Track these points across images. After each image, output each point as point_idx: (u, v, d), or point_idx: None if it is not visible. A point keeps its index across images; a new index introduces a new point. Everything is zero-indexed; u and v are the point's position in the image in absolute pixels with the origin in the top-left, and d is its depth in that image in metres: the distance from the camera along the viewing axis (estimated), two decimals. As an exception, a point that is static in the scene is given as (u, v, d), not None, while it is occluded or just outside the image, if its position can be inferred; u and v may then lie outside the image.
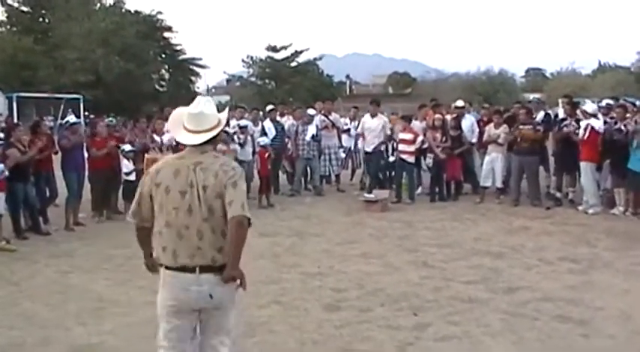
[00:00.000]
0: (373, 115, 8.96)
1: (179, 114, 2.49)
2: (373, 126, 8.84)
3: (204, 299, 2.36)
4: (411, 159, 8.47)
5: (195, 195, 2.35)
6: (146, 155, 7.30)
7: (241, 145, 8.58)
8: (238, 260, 2.34)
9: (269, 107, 9.88)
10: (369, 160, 9.11)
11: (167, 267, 2.36)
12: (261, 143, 8.52)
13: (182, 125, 2.45)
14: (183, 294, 2.35)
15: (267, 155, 8.41)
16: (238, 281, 2.37)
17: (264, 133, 9.17)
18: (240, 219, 2.30)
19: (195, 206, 2.35)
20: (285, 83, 39.82)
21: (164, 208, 2.37)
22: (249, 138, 8.91)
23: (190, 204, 2.35)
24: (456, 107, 9.37)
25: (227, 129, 8.38)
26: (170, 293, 2.36)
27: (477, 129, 8.81)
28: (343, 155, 9.75)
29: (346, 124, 10.16)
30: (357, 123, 10.10)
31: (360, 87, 73.74)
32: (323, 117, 9.38)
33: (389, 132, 8.81)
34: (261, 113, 10.16)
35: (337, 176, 9.83)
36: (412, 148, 8.41)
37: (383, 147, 8.89)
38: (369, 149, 8.88)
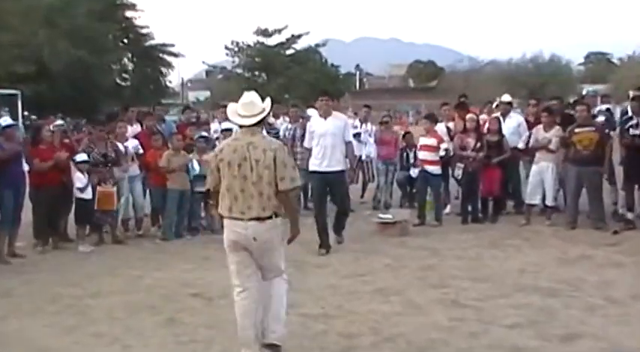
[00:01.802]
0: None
1: (233, 106, 4.10)
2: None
3: (249, 240, 3.92)
4: (436, 170, 8.52)
5: (248, 167, 3.93)
6: (99, 188, 7.39)
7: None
8: (296, 220, 4.12)
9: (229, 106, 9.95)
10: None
11: (226, 217, 4.00)
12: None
13: (237, 112, 4.05)
14: (233, 235, 3.96)
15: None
16: (280, 232, 3.97)
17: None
18: (287, 192, 3.94)
19: (248, 175, 3.93)
20: (279, 75, 40.09)
21: (226, 177, 3.97)
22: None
23: (245, 173, 3.93)
24: (502, 103, 9.41)
25: (205, 134, 8.48)
26: (227, 234, 4.00)
27: (527, 132, 8.78)
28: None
29: (355, 127, 10.24)
30: (368, 126, 10.22)
31: (373, 79, 74.22)
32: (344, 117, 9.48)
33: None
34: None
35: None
36: (436, 156, 8.49)
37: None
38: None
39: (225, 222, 4.00)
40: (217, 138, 9.00)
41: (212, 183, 4.09)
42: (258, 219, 3.89)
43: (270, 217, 3.91)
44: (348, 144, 7.02)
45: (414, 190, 9.82)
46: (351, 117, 11.19)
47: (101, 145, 7.65)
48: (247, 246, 3.94)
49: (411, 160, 9.84)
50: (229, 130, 8.87)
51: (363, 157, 10.12)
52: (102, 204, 7.48)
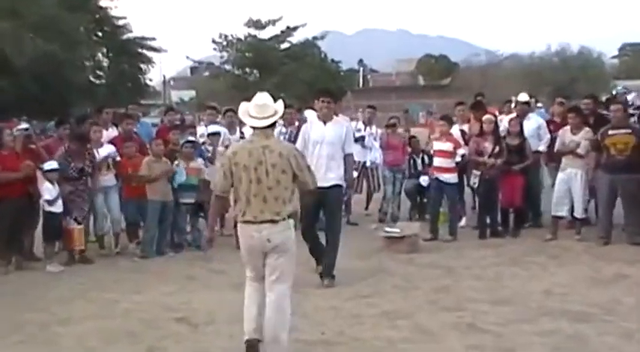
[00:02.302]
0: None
1: (245, 106, 4.58)
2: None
3: (263, 243, 4.37)
4: (452, 178, 8.56)
5: (263, 171, 4.39)
6: (64, 222, 7.35)
7: (211, 161, 8.69)
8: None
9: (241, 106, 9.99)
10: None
11: (239, 221, 4.47)
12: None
13: (248, 113, 4.52)
14: (248, 241, 4.43)
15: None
16: (293, 235, 4.49)
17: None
18: (309, 192, 4.65)
19: (264, 179, 4.38)
20: (272, 72, 40.19)
21: (241, 181, 4.41)
22: (222, 150, 9.06)
23: (260, 177, 4.38)
24: (519, 103, 9.47)
25: (191, 138, 8.52)
26: (242, 241, 4.48)
27: (548, 135, 8.88)
28: (355, 174, 9.81)
29: (359, 131, 10.29)
30: (373, 129, 10.29)
31: (378, 76, 74.43)
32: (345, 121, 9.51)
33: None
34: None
35: (347, 203, 9.92)
36: (452, 163, 8.53)
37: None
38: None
39: (239, 226, 4.50)
40: (203, 143, 9.05)
41: (222, 188, 4.52)
42: (271, 221, 4.36)
43: (284, 219, 4.39)
44: (347, 156, 6.58)
45: (425, 200, 9.85)
46: (355, 119, 11.20)
47: (79, 159, 7.61)
48: (263, 249, 4.41)
49: (420, 167, 9.89)
50: (216, 134, 8.98)
51: (368, 164, 10.18)
52: (67, 242, 7.48)
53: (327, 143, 6.44)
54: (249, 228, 4.40)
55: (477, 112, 9.24)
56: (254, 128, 4.52)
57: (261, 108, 4.50)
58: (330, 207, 6.41)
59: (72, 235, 7.46)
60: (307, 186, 4.54)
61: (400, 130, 10.63)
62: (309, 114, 9.42)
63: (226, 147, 9.17)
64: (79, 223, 7.56)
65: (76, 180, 7.55)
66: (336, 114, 9.73)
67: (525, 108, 9.32)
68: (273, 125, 4.56)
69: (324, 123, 6.54)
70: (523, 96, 9.59)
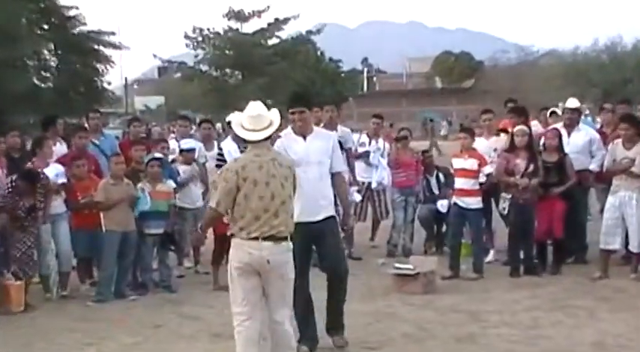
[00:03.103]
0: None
1: (238, 118, 5.04)
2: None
3: (262, 262, 4.84)
4: (476, 202, 8.60)
5: (278, 184, 4.91)
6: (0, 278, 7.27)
7: (182, 184, 8.79)
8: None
9: (231, 117, 10.06)
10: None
11: (239, 237, 4.90)
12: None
13: (241, 126, 4.96)
14: (246, 257, 4.86)
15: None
16: (292, 258, 5.00)
17: (222, 161, 9.34)
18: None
19: (278, 193, 4.89)
20: (258, 74, 40.38)
21: (250, 197, 4.85)
22: (197, 169, 9.10)
23: (274, 191, 4.88)
24: (567, 110, 9.46)
25: (158, 155, 8.55)
26: (238, 255, 4.90)
27: (602, 151, 8.84)
28: (358, 197, 9.86)
29: (362, 145, 10.37)
30: (380, 143, 10.38)
31: (386, 78, 74.98)
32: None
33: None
34: (219, 126, 10.38)
35: (348, 233, 9.94)
36: (476, 184, 8.56)
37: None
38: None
39: (236, 242, 4.94)
40: (173, 161, 9.08)
41: (225, 205, 4.94)
42: (272, 238, 4.85)
43: (285, 238, 4.92)
44: (336, 176, 6.12)
45: (443, 230, 9.86)
46: (358, 131, 11.27)
47: (29, 196, 7.55)
48: (259, 270, 4.89)
49: (436, 189, 9.93)
50: (191, 151, 9.03)
51: (374, 185, 10.24)
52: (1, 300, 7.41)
53: (314, 163, 5.90)
54: (250, 245, 4.86)
55: (518, 119, 9.21)
56: (248, 142, 5.02)
57: (255, 119, 4.96)
58: (329, 245, 5.92)
59: (8, 293, 7.40)
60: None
61: (413, 144, 10.70)
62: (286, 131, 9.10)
63: (204, 164, 9.27)
64: (19, 278, 7.46)
65: (23, 218, 7.53)
66: (329, 124, 9.94)
67: (575, 117, 9.29)
68: (269, 138, 5.03)
69: (304, 137, 5.94)
70: (572, 102, 9.52)
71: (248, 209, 4.87)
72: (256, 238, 4.85)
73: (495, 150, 9.22)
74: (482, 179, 8.60)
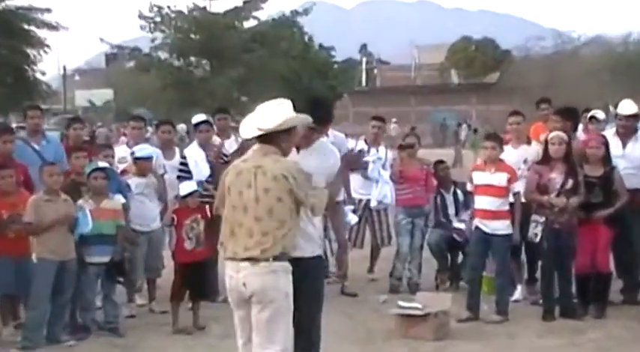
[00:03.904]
0: None
1: (252, 115, 5.46)
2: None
3: (239, 287, 5.18)
4: (504, 227, 8.59)
5: (252, 197, 5.17)
6: None
7: (123, 201, 8.72)
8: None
9: (198, 118, 10.07)
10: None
11: (224, 258, 5.40)
12: (183, 192, 8.72)
13: (254, 124, 5.32)
14: (228, 281, 5.27)
15: (193, 218, 8.58)
16: (281, 283, 5.21)
17: (186, 173, 9.43)
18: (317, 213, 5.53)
19: (251, 206, 5.17)
20: (231, 63, 40.39)
21: (227, 205, 5.31)
22: (154, 181, 9.14)
23: (246, 204, 5.18)
24: (622, 117, 9.26)
25: (102, 163, 8.53)
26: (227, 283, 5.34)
27: None
28: (354, 219, 9.83)
29: (359, 153, 10.40)
30: (381, 151, 10.42)
31: (390, 71, 75.10)
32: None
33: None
34: (181, 129, 10.35)
35: (340, 262, 9.89)
36: (505, 204, 8.54)
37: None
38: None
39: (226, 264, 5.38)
40: (124, 172, 9.06)
41: (221, 206, 5.46)
42: (251, 260, 5.12)
43: (267, 259, 5.12)
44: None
45: (460, 260, 9.86)
46: (354, 137, 11.27)
47: None
48: (240, 296, 5.20)
49: (451, 209, 9.92)
50: (146, 159, 8.99)
51: (373, 204, 10.29)
52: None
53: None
54: (229, 267, 5.26)
55: (565, 122, 9.16)
56: (249, 140, 5.48)
57: (265, 113, 5.31)
58: (306, 294, 5.60)
59: None
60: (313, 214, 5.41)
61: (423, 153, 10.70)
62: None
63: (162, 176, 9.25)
64: None
65: None
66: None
67: (632, 124, 9.20)
68: (274, 138, 5.26)
69: (297, 149, 5.75)
70: (628, 107, 9.27)
71: (224, 219, 5.33)
72: (234, 259, 5.20)
73: (525, 161, 9.22)
74: (512, 198, 8.61)
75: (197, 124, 9.86)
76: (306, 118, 5.39)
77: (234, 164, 5.45)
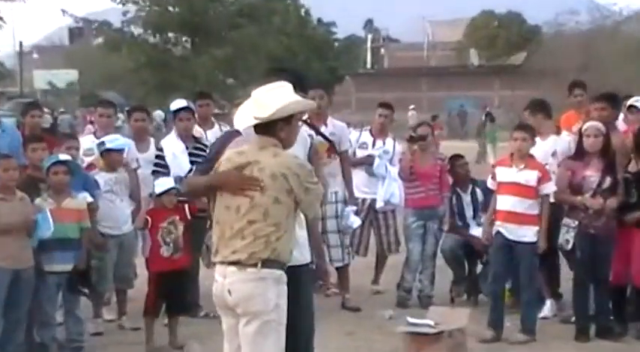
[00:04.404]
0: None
1: (248, 103, 5.50)
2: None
3: (224, 294, 5.28)
4: (531, 233, 8.58)
5: (247, 197, 5.22)
6: None
7: (90, 200, 8.70)
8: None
9: (177, 104, 10.03)
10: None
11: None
12: (159, 189, 8.74)
13: (251, 113, 5.36)
14: (214, 286, 5.37)
15: (170, 220, 8.60)
16: (270, 293, 5.26)
17: (162, 167, 9.44)
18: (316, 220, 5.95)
19: (245, 207, 5.23)
20: (215, 41, 40.34)
21: (218, 205, 5.37)
22: (125, 177, 9.17)
23: (239, 204, 5.25)
24: None
25: (64, 156, 8.49)
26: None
27: None
28: (357, 221, 9.85)
29: (363, 146, 10.52)
30: (388, 144, 10.52)
31: (399, 50, 75.02)
32: (307, 131, 9.53)
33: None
34: (157, 116, 10.32)
35: (342, 270, 10.00)
36: (533, 208, 8.54)
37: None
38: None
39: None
40: (90, 166, 9.05)
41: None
42: (238, 263, 5.20)
43: (255, 265, 5.20)
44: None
45: (479, 270, 9.90)
46: (357, 127, 11.28)
47: None
48: (225, 304, 5.31)
49: (468, 211, 9.92)
50: (117, 151, 8.97)
51: (379, 205, 10.35)
52: None
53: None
54: (217, 271, 5.35)
55: (612, 110, 9.18)
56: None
57: (264, 96, 5.33)
58: (298, 304, 5.74)
59: None
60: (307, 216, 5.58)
61: (434, 146, 10.70)
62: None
63: (135, 171, 9.24)
64: None
65: None
66: (320, 120, 9.96)
67: None
68: (270, 129, 5.28)
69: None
70: None
71: (217, 220, 5.41)
72: (222, 263, 5.29)
73: (554, 154, 9.24)
74: (542, 200, 8.60)
75: (176, 111, 9.81)
76: (309, 104, 5.52)
77: (227, 157, 5.42)
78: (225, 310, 5.34)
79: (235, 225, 5.25)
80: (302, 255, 5.85)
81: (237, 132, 5.87)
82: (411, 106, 42.56)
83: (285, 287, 5.31)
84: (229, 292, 5.22)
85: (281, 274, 5.26)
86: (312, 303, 6.22)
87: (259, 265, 5.17)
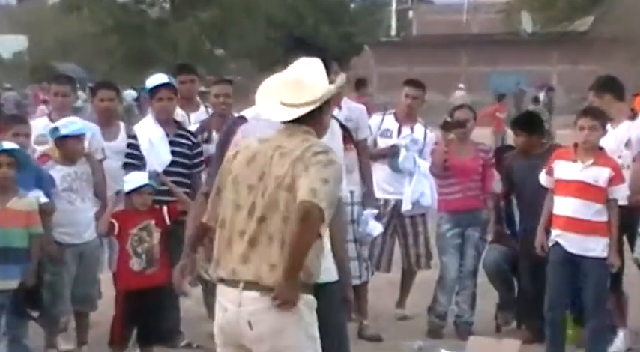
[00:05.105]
0: None
1: (274, 84, 5.41)
2: None
3: (240, 328, 5.12)
4: (598, 246, 8.58)
5: (260, 192, 5.16)
6: None
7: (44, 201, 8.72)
8: (296, 272, 5.03)
9: (155, 80, 10.02)
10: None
11: (215, 278, 5.34)
12: (129, 187, 8.80)
13: (278, 98, 5.31)
14: (220, 316, 5.25)
15: (143, 226, 8.65)
16: (304, 323, 5.15)
17: (136, 158, 9.50)
18: (306, 207, 4.93)
19: (258, 204, 5.14)
20: (201, 3, 40.19)
21: (228, 204, 5.28)
22: (88, 171, 9.20)
23: (255, 202, 5.16)
24: None
25: (8, 144, 8.52)
26: (216, 311, 5.36)
27: None
28: (379, 228, 9.86)
29: (386, 133, 10.57)
30: (417, 131, 10.56)
31: (431, 13, 75.03)
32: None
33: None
34: (129, 95, 10.33)
35: (360, 290, 9.91)
36: (602, 214, 8.53)
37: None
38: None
39: (217, 288, 5.33)
40: (44, 156, 9.06)
41: (210, 212, 5.46)
42: (257, 285, 5.06)
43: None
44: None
45: (532, 291, 9.87)
46: (377, 111, 11.30)
47: None
48: (239, 340, 5.17)
49: (515, 215, 9.94)
50: (77, 138, 8.96)
51: (406, 207, 10.37)
52: None
53: None
54: (225, 294, 5.20)
55: None
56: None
57: (292, 87, 5.29)
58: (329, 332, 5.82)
59: None
60: (300, 194, 5.02)
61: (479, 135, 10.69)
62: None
63: (100, 162, 9.24)
64: None
65: None
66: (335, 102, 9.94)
67: None
68: (308, 118, 5.28)
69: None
70: None
71: (221, 222, 5.30)
72: (233, 281, 5.12)
73: (627, 144, 9.24)
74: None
75: (154, 89, 9.78)
76: (341, 83, 5.57)
77: (245, 144, 5.40)
78: (234, 348, 5.22)
79: (246, 229, 5.12)
80: (330, 269, 5.89)
81: (243, 119, 5.99)
82: (460, 85, 42.50)
83: (316, 315, 5.24)
84: (249, 324, 5.04)
85: (313, 300, 5.19)
86: (345, 330, 6.35)
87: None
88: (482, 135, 24.74)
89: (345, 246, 6.52)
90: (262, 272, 5.00)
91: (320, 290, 5.65)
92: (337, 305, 6.11)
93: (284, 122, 5.26)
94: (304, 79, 5.27)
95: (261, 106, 5.39)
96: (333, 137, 6.15)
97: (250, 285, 5.03)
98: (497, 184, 10.21)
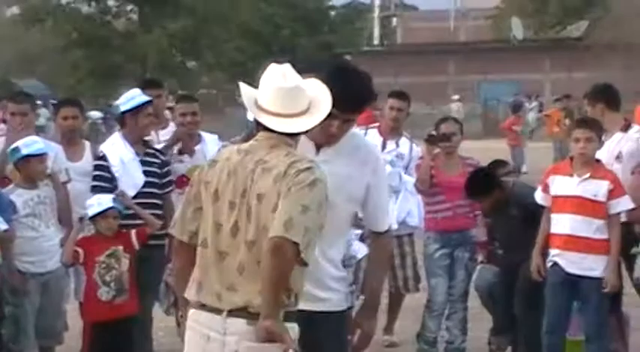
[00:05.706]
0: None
1: (252, 93, 5.28)
2: None
3: None
4: (599, 266, 8.58)
5: (244, 210, 5.06)
6: None
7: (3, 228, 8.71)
8: (275, 306, 4.93)
9: (138, 99, 9.97)
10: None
11: (192, 303, 5.21)
12: (93, 211, 8.79)
13: (259, 105, 5.21)
14: (201, 344, 5.13)
15: (110, 252, 8.63)
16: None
17: (105, 181, 9.45)
18: (276, 243, 4.85)
19: (243, 224, 5.05)
20: (171, 11, 40.34)
21: (207, 220, 5.17)
22: (51, 194, 9.19)
23: (237, 220, 5.07)
24: None
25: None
26: (188, 343, 5.21)
27: None
28: (363, 250, 9.86)
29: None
30: (402, 145, 10.63)
31: (417, 20, 75.22)
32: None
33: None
34: (94, 115, 10.30)
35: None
36: (602, 231, 8.53)
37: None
38: None
39: (190, 313, 5.21)
40: (3, 180, 9.04)
41: (183, 226, 5.33)
42: (245, 311, 4.99)
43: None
44: (375, 238, 6.58)
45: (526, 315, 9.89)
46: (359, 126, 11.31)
47: None
48: None
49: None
50: (38, 158, 8.93)
51: (393, 226, 10.22)
52: None
53: (337, 201, 5.80)
54: (205, 322, 5.11)
55: None
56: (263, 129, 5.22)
57: (289, 96, 5.19)
58: None
59: None
60: (273, 229, 4.89)
61: (469, 147, 10.72)
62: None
63: (64, 185, 9.22)
64: None
65: None
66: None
67: None
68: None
69: (317, 148, 5.93)
70: None
71: (202, 242, 5.18)
72: (216, 309, 5.03)
73: (619, 157, 9.29)
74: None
75: (138, 107, 9.58)
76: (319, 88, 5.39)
77: (225, 156, 5.26)
78: None
79: (231, 251, 5.04)
80: (332, 300, 5.96)
81: None
82: (455, 96, 42.55)
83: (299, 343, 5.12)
84: None
85: (296, 327, 5.10)
86: None
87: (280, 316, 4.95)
88: (500, 148, 24.82)
89: (384, 278, 6.53)
90: (252, 298, 4.92)
91: (317, 320, 5.71)
92: (334, 337, 6.03)
93: (262, 130, 5.15)
94: (299, 86, 5.19)
95: (254, 112, 5.19)
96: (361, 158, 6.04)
97: (237, 312, 4.96)
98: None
